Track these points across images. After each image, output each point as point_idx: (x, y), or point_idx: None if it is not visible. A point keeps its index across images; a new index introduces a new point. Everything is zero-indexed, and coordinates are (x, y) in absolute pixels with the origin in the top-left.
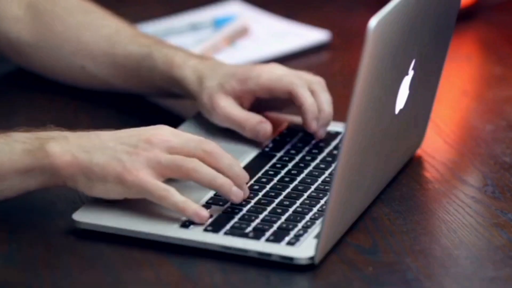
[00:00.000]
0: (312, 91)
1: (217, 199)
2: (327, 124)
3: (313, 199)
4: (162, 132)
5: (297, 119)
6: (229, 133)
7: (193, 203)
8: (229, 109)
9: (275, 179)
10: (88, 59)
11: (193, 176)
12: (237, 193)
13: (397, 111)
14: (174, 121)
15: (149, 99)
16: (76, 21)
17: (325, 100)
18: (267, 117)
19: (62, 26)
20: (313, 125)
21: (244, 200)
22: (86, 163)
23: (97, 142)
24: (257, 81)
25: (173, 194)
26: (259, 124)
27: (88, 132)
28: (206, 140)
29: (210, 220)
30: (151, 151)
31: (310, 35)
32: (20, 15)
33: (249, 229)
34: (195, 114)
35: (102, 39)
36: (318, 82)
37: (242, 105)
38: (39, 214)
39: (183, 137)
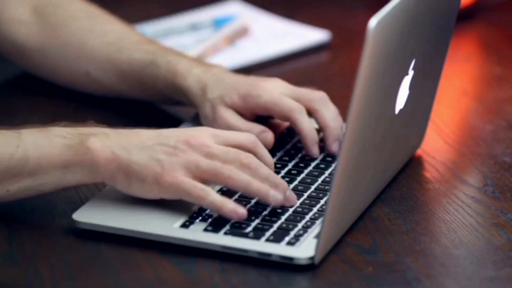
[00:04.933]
0: (313, 110)
1: None
2: (337, 137)
3: (313, 199)
4: (201, 135)
5: None
6: None
7: (230, 202)
8: (231, 120)
9: None
10: (93, 65)
11: (229, 183)
12: (275, 196)
13: (397, 111)
14: (173, 121)
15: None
16: (81, 26)
17: (328, 115)
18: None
19: (67, 31)
20: (314, 151)
21: (245, 200)
22: (125, 161)
23: (136, 140)
24: (257, 101)
25: (210, 194)
26: (261, 134)
27: (127, 130)
28: (243, 153)
29: (210, 220)
30: (190, 153)
31: (310, 35)
32: (26, 19)
33: (249, 229)
34: (193, 116)
35: (107, 45)
36: (319, 97)
37: (243, 117)
38: (39, 214)
39: (222, 141)
